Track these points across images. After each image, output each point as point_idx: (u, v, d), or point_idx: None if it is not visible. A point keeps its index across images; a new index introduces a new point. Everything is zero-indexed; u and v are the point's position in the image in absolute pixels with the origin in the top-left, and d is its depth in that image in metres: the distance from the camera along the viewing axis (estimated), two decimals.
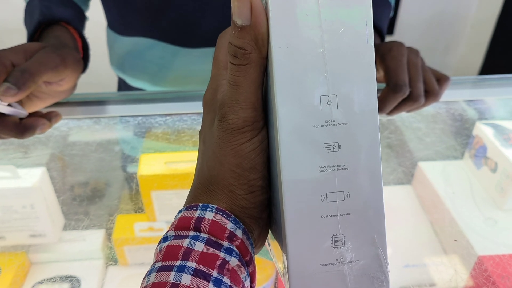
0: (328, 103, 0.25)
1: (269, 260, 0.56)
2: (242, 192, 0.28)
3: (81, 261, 0.59)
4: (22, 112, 0.49)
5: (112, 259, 0.59)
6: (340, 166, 0.26)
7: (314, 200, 0.26)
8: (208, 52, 0.67)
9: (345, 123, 0.25)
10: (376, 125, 0.26)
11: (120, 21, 0.69)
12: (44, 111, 0.52)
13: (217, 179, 0.28)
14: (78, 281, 0.56)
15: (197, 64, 0.67)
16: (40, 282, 0.56)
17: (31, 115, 0.50)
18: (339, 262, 0.26)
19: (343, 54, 0.25)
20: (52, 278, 0.56)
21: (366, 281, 0.26)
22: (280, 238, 0.28)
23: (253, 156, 0.27)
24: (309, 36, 0.25)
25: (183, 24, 0.64)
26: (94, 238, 0.58)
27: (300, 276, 0.26)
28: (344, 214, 0.26)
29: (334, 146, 0.25)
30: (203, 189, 0.29)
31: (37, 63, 0.46)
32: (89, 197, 0.62)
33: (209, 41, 0.66)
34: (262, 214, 0.29)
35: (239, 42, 0.26)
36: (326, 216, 0.26)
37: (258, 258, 0.52)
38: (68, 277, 0.56)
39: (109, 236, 0.58)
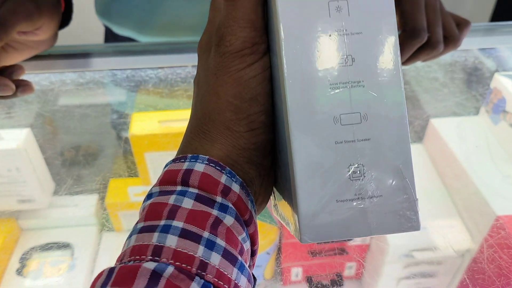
0: (338, 9, 0.21)
1: (272, 224, 0.53)
2: (241, 128, 0.24)
3: (74, 227, 0.57)
4: None
5: (106, 225, 0.57)
6: (354, 82, 0.21)
7: (326, 124, 0.22)
8: None
9: (359, 33, 0.21)
10: (395, 33, 0.21)
11: None
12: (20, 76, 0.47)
13: (213, 115, 0.25)
14: (71, 247, 0.54)
15: (186, 9, 0.64)
16: (32, 249, 0.54)
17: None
18: (358, 198, 0.22)
19: None
20: (44, 245, 0.54)
21: (392, 219, 0.22)
22: (288, 183, 0.23)
23: (254, 85, 0.24)
24: None
25: None
26: (86, 203, 0.56)
27: (312, 215, 0.22)
28: (362, 140, 0.22)
29: (347, 59, 0.21)
30: (196, 132, 0.25)
31: (9, 12, 0.42)
32: (78, 159, 0.59)
33: None
34: (263, 160, 0.26)
35: None
36: (341, 142, 0.22)
37: (259, 222, 0.50)
38: (61, 243, 0.54)
39: (102, 201, 0.56)
